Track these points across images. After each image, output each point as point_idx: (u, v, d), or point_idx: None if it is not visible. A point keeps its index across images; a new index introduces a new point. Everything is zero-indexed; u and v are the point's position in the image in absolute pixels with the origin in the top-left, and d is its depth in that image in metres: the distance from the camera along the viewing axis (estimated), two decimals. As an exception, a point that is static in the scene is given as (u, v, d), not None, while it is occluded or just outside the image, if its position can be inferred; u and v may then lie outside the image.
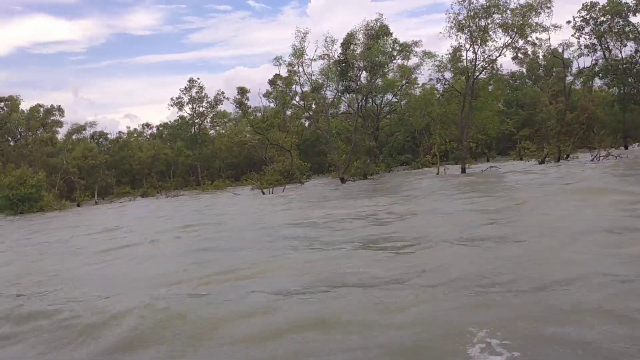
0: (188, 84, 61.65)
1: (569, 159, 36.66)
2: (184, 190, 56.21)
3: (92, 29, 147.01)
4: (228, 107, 67.45)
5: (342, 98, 43.67)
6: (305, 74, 39.23)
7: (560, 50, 43.23)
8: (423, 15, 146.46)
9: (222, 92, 62.21)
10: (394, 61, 41.70)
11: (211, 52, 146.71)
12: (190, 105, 62.11)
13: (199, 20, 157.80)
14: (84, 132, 62.59)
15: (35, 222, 30.45)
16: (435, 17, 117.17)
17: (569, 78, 49.41)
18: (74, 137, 60.36)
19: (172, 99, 62.34)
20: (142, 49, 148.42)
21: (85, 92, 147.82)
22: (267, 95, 67.20)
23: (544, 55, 57.04)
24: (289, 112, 64.61)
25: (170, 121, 71.30)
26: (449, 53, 36.80)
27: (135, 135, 72.08)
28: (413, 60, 45.37)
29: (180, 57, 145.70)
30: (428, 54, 43.01)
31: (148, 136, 73.35)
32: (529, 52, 39.47)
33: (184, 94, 61.74)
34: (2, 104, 60.54)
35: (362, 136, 40.95)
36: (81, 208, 45.30)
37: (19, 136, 59.73)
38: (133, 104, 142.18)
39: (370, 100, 44.90)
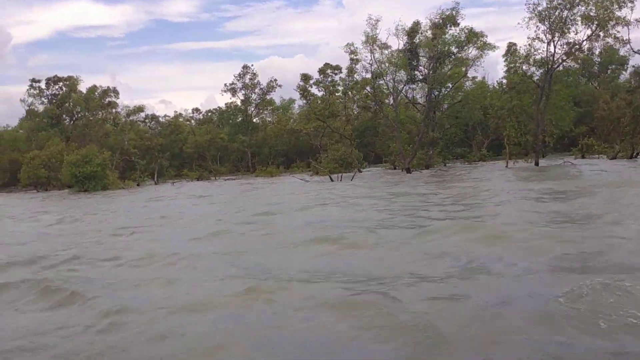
0: (242, 70, 62.10)
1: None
2: (234, 175, 56.75)
3: (131, 14, 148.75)
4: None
5: (405, 88, 43.37)
6: (375, 62, 39.05)
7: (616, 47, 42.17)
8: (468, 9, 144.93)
9: (275, 80, 62.55)
10: (465, 51, 41.14)
11: (246, 40, 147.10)
12: (243, 92, 62.55)
13: (235, 8, 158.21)
14: (137, 114, 63.52)
15: (121, 197, 31.09)
16: (471, 11, 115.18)
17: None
18: (130, 118, 61.40)
19: (225, 84, 62.98)
20: (178, 35, 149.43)
21: (122, 77, 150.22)
22: (317, 83, 67.60)
23: (600, 52, 55.97)
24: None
25: (218, 107, 72.04)
26: (528, 44, 36.17)
27: (181, 119, 72.77)
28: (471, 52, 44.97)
29: (215, 45, 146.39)
30: (488, 46, 42.58)
31: (194, 121, 73.95)
32: (610, 45, 38.17)
33: (237, 80, 62.20)
34: (61, 83, 61.87)
35: (426, 127, 40.74)
36: (141, 188, 46.02)
37: (76, 116, 60.92)
38: (168, 89, 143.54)
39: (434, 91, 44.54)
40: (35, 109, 60.61)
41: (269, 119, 69.97)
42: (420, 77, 41.86)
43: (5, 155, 57.81)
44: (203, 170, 55.12)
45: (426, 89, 44.61)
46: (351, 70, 46.10)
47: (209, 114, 72.31)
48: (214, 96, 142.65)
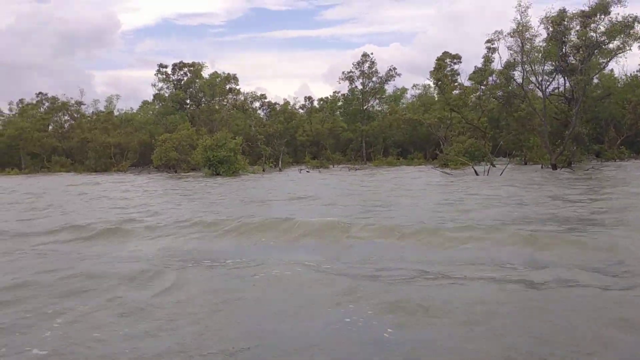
0: (362, 58, 61.63)
1: None
2: (351, 165, 56.55)
3: (232, 2, 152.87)
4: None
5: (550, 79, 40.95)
6: (523, 51, 37.05)
7: None
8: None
9: (395, 68, 61.58)
10: (617, 40, 38.13)
11: (342, 29, 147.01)
12: (360, 80, 62.12)
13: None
14: (260, 100, 64.79)
15: (261, 180, 31.47)
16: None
17: None
18: (253, 105, 62.88)
19: (343, 72, 62.77)
20: (276, 24, 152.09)
21: (220, 64, 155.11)
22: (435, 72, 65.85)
23: None
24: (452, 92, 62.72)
25: (332, 95, 71.99)
26: None
27: (289, 107, 73.45)
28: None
29: (311, 33, 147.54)
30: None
31: (303, 109, 74.44)
32: None
33: (356, 69, 61.83)
34: (186, 69, 64.21)
35: (577, 121, 38.30)
36: (267, 174, 46.77)
37: (201, 101, 63.05)
38: (263, 77, 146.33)
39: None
40: (164, 93, 63.30)
41: (378, 109, 69.27)
42: (567, 68, 39.25)
43: (135, 136, 60.99)
44: (322, 159, 55.28)
45: (566, 81, 42.03)
46: (487, 60, 44.17)
47: (321, 102, 72.54)
48: (308, 85, 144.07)
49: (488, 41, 44.01)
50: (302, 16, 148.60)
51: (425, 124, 53.68)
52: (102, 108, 78.50)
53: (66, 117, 76.98)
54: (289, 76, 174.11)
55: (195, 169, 51.99)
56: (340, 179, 33.54)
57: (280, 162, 52.09)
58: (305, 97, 73.55)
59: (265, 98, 61.89)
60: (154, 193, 24.63)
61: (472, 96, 48.55)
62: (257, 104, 67.56)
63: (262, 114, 67.95)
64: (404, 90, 72.49)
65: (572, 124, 36.51)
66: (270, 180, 34.58)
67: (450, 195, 19.07)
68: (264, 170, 49.34)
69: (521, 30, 36.47)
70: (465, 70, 64.35)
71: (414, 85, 72.48)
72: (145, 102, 79.58)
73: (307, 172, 46.71)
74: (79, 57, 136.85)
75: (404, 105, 70.95)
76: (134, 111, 77.17)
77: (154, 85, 62.88)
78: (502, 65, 43.62)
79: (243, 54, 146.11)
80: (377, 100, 69.07)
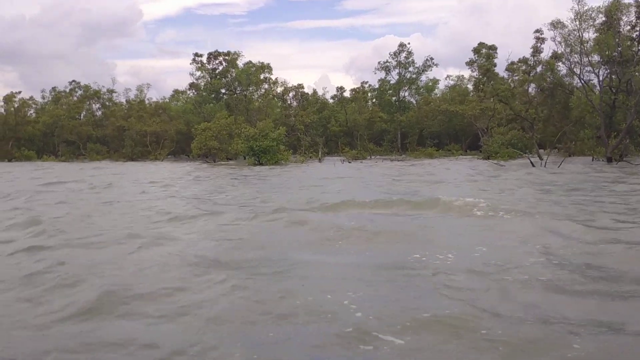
0: (398, 48, 61.15)
1: None
2: (388, 156, 56.24)
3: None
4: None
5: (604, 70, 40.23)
6: (581, 42, 36.44)
7: None
8: None
9: (432, 59, 61.07)
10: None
11: (362, 19, 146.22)
12: (397, 70, 61.70)
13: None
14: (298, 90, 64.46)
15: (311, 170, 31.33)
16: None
17: None
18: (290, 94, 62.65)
19: (379, 62, 62.39)
20: (296, 14, 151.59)
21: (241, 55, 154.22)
22: (470, 63, 65.23)
23: None
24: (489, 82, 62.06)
25: (361, 85, 71.54)
26: None
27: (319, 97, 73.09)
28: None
29: (332, 23, 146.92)
30: None
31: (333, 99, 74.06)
32: None
33: (393, 58, 61.38)
34: (221, 58, 64.13)
35: (637, 114, 37.65)
36: (309, 165, 46.61)
37: (237, 90, 62.98)
38: (283, 67, 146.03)
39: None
40: (200, 82, 63.33)
41: (411, 99, 68.75)
42: (621, 59, 38.53)
43: (172, 125, 61.15)
44: (359, 149, 54.99)
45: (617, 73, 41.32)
46: (536, 50, 43.53)
47: (353, 92, 72.11)
48: (328, 75, 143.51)
49: (537, 31, 43.42)
50: (322, 6, 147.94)
51: (466, 115, 53.12)
52: (132, 97, 78.89)
53: (97, 105, 77.49)
54: (309, 66, 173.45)
55: (231, 158, 52.10)
56: (396, 170, 33.23)
57: (320, 153, 51.88)
58: (337, 87, 73.30)
59: (303, 88, 61.52)
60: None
61: (521, 87, 47.84)
62: (291, 94, 67.37)
63: (295, 103, 67.71)
64: (435, 81, 71.76)
65: (631, 117, 35.87)
66: (323, 170, 34.42)
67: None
68: (303, 161, 49.13)
69: (580, 19, 35.79)
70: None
71: (447, 77, 71.79)
72: (176, 91, 79.72)
73: (349, 162, 46.49)
74: (101, 47, 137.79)
75: (437, 96, 70.29)
76: (166, 100, 77.23)
77: (191, 74, 62.92)
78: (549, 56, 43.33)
79: (263, 44, 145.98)
80: (408, 91, 68.62)
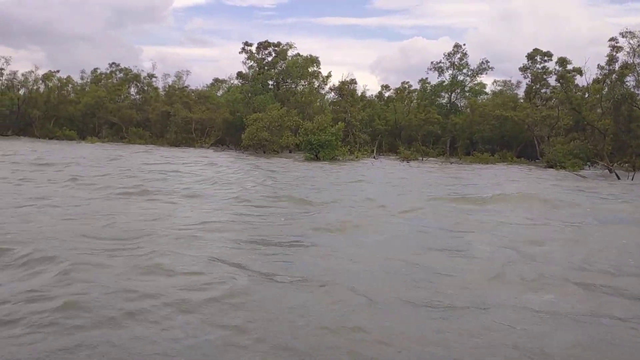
0: (453, 49, 59.74)
1: None
2: (440, 159, 54.95)
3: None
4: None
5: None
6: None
7: None
8: (627, 3, 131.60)
9: (487, 61, 59.62)
10: None
11: (391, 19, 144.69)
12: (450, 71, 60.33)
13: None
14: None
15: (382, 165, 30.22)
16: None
17: None
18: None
19: (432, 62, 61.05)
20: (325, 9, 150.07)
21: None
22: (523, 69, 63.69)
23: None
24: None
25: (403, 85, 70.06)
26: None
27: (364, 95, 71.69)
28: None
29: (360, 21, 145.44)
30: None
31: (380, 98, 72.72)
32: None
33: (447, 59, 60.02)
34: (270, 49, 63.03)
35: None
36: (364, 162, 45.46)
37: (286, 82, 61.89)
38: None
39: None
40: (250, 72, 62.27)
41: (457, 102, 67.24)
42: None
43: (219, 114, 60.15)
44: (413, 150, 53.65)
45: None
46: (612, 59, 42.02)
47: (398, 92, 70.74)
48: (354, 74, 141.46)
49: (612, 39, 41.91)
50: (352, 4, 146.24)
51: (526, 121, 51.72)
52: (169, 83, 77.95)
53: (134, 89, 76.68)
54: (335, 64, 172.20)
55: (277, 150, 51.05)
56: (462, 174, 32.00)
57: (375, 150, 50.71)
58: (382, 85, 71.98)
59: (356, 83, 60.21)
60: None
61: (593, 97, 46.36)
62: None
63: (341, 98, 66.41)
64: (482, 85, 70.13)
65: None
66: (390, 168, 33.28)
67: None
68: (359, 158, 47.94)
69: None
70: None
71: (494, 81, 70.12)
72: (216, 80, 78.87)
73: (407, 162, 45.27)
74: (129, 31, 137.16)
75: (485, 100, 68.69)
76: (205, 88, 76.23)
77: (244, 63, 61.90)
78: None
79: (290, 38, 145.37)
80: (455, 94, 67.10)
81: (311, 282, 6.19)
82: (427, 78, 68.06)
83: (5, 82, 70.03)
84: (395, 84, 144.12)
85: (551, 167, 44.38)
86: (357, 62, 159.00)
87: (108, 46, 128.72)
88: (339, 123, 45.40)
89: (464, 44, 60.69)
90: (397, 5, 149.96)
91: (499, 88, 71.32)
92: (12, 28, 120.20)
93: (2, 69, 69.28)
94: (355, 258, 7.51)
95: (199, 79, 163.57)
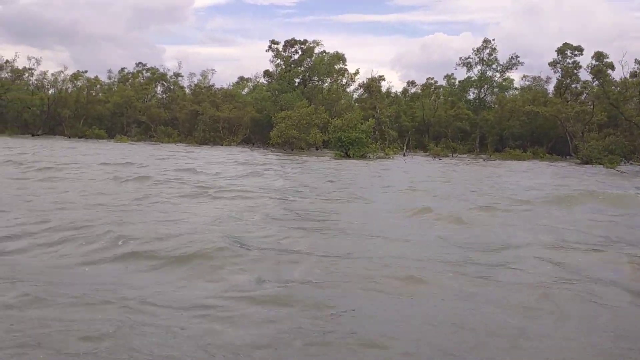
0: (482, 44, 59.03)
1: None
2: (471, 155, 54.31)
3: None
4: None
5: None
6: None
7: None
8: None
9: (517, 57, 58.79)
10: None
11: (412, 15, 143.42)
12: (479, 67, 59.62)
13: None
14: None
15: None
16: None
17: None
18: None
19: (460, 58, 60.41)
20: (346, 7, 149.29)
21: None
22: (553, 64, 62.70)
23: None
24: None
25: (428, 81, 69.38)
26: None
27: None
28: None
29: (380, 18, 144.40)
30: None
31: (405, 94, 72.17)
32: None
33: (476, 55, 59.31)
34: (297, 46, 62.96)
35: None
36: (396, 159, 45.07)
37: (313, 79, 61.77)
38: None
39: None
40: (277, 70, 62.34)
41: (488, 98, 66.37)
42: None
43: (247, 112, 60.23)
44: (443, 147, 53.14)
45: None
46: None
47: (425, 88, 70.12)
48: (373, 70, 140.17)
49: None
50: (372, 1, 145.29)
51: (560, 117, 50.87)
52: (195, 82, 78.31)
53: (160, 88, 77.26)
54: (355, 61, 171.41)
55: (303, 148, 50.93)
56: (503, 171, 31.45)
57: (405, 147, 50.31)
58: (408, 81, 71.39)
59: (384, 79, 59.86)
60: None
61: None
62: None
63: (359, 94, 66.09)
64: (510, 80, 69.15)
65: None
66: (427, 165, 32.88)
67: None
68: (389, 155, 47.56)
69: None
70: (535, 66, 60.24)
71: (524, 76, 69.03)
72: (242, 78, 79.04)
73: (439, 159, 44.80)
74: (151, 31, 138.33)
75: (513, 96, 67.73)
76: (230, 87, 76.45)
77: (271, 61, 61.99)
78: None
79: (310, 35, 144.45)
80: (483, 90, 66.30)
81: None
82: (452, 74, 67.60)
83: (35, 82, 71.18)
84: (416, 80, 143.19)
85: (587, 163, 43.53)
86: (377, 58, 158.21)
87: (131, 46, 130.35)
88: (368, 120, 45.00)
89: (493, 39, 59.70)
90: (418, 1, 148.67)
91: (527, 83, 70.41)
92: (38, 29, 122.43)
93: (32, 69, 70.40)
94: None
95: (220, 78, 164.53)
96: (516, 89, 66.32)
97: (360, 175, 22.98)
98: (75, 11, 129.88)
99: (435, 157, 45.89)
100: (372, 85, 54.89)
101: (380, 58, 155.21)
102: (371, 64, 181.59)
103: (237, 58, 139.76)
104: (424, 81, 68.49)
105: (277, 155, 41.52)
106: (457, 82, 67.20)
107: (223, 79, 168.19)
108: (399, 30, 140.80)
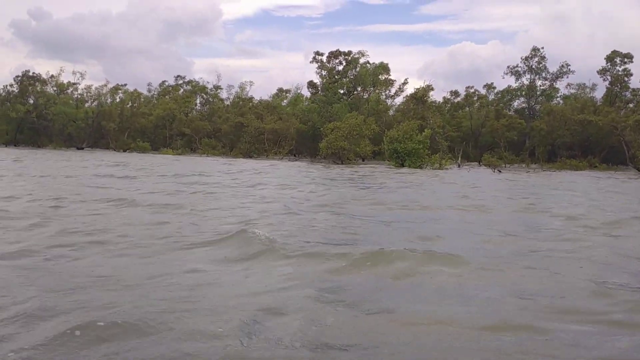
0: (531, 52, 58.12)
1: None
2: (522, 166, 53.27)
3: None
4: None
5: None
6: None
7: None
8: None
9: (568, 65, 57.76)
10: None
11: (439, 24, 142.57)
12: (528, 75, 58.67)
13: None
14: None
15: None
16: None
17: None
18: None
19: (508, 67, 59.53)
20: (373, 17, 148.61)
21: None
22: (603, 72, 61.45)
23: None
24: None
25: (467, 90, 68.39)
26: None
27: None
28: None
29: (407, 28, 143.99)
30: None
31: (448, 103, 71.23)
32: None
33: (524, 63, 58.42)
34: (341, 57, 62.72)
35: None
36: (452, 170, 44.26)
37: (355, 91, 61.42)
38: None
39: None
40: (321, 82, 62.17)
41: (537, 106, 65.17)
42: None
43: (292, 124, 59.98)
44: (495, 157, 52.17)
45: None
46: None
47: (468, 97, 69.18)
48: (401, 80, 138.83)
49: None
50: (399, 10, 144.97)
51: (619, 126, 49.69)
52: (233, 93, 78.54)
53: (199, 100, 77.62)
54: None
55: (348, 158, 50.40)
56: (582, 184, 30.44)
57: (459, 158, 49.52)
58: (450, 91, 70.47)
59: (433, 89, 59.10)
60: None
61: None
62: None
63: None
64: (556, 89, 67.93)
65: None
66: (496, 178, 32.01)
67: None
68: (444, 166, 46.79)
69: None
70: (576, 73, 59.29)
71: (568, 85, 67.72)
72: (280, 90, 78.97)
73: (499, 171, 43.84)
74: (180, 44, 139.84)
75: (559, 105, 66.47)
76: (269, 99, 76.44)
77: (317, 73, 61.84)
78: None
79: (338, 46, 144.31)
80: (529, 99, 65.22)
81: None
82: (492, 83, 66.80)
83: (79, 96, 72.05)
84: (444, 88, 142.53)
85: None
86: (404, 68, 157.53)
87: (161, 59, 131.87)
88: (425, 130, 44.40)
89: (542, 47, 58.62)
90: (445, 10, 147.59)
91: (572, 91, 69.06)
92: (71, 43, 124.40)
93: (76, 83, 71.23)
94: None
95: (252, 89, 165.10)
96: (566, 96, 65.01)
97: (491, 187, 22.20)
98: (106, 26, 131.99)
99: (494, 169, 44.95)
100: (424, 95, 54.13)
101: (408, 67, 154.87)
102: (399, 73, 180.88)
103: (266, 69, 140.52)
104: (450, 89, 67.71)
105: (336, 167, 41.01)
106: (495, 91, 66.40)
107: (253, 90, 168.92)
108: (426, 39, 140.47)
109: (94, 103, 71.89)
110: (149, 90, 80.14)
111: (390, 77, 61.87)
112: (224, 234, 7.90)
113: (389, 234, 8.73)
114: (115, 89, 75.10)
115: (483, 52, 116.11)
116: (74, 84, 70.91)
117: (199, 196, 14.44)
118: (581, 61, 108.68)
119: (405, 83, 60.70)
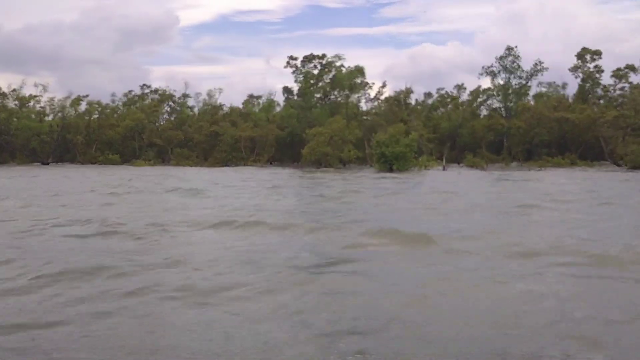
0: (505, 52, 58.43)
1: None
2: (503, 165, 53.39)
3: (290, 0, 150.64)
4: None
5: None
6: None
7: None
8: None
9: (542, 62, 58.31)
10: None
11: (399, 27, 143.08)
12: (503, 75, 58.95)
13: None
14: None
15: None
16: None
17: None
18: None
19: (483, 67, 59.67)
20: (333, 21, 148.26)
21: (275, 61, 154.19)
22: (574, 69, 62.48)
23: None
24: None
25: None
26: None
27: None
28: None
29: (368, 31, 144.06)
30: None
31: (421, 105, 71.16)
32: None
33: (498, 62, 58.69)
34: (316, 61, 61.68)
35: None
36: (436, 171, 43.82)
37: (332, 95, 60.54)
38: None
39: None
40: (295, 86, 61.04)
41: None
42: None
43: (271, 130, 58.49)
44: (480, 158, 52.06)
45: None
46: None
47: (441, 99, 69.19)
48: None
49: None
50: (359, 14, 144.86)
51: (599, 122, 50.36)
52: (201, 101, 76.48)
53: (166, 109, 75.17)
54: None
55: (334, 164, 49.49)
56: (582, 181, 30.30)
57: (444, 160, 49.15)
58: (425, 92, 70.32)
59: (412, 92, 58.82)
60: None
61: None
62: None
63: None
64: (527, 87, 68.54)
65: None
66: (495, 180, 31.58)
67: None
68: (425, 168, 46.20)
69: None
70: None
71: (539, 83, 68.48)
72: (251, 96, 77.26)
73: (490, 172, 43.64)
74: (137, 53, 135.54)
75: (529, 103, 67.15)
76: (242, 106, 74.61)
77: (294, 77, 60.48)
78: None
79: (299, 50, 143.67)
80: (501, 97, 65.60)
81: None
82: (463, 84, 67.09)
83: (41, 109, 68.63)
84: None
85: (636, 168, 43.09)
86: (366, 71, 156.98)
87: (118, 68, 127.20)
88: (411, 134, 43.83)
89: (516, 46, 58.91)
90: (404, 13, 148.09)
91: (542, 90, 69.83)
92: (23, 55, 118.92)
93: (38, 96, 67.82)
94: None
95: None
96: (530, 96, 65.76)
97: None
98: (59, 36, 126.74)
99: (483, 170, 44.75)
100: (404, 98, 53.61)
101: (369, 71, 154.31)
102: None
103: (226, 76, 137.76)
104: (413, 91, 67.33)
105: (329, 173, 39.82)
106: (467, 92, 66.70)
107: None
108: (387, 42, 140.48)
109: (58, 116, 68.60)
110: (113, 101, 77.06)
111: (365, 80, 61.12)
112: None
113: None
114: (77, 99, 71.80)
115: (443, 54, 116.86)
116: (35, 96, 67.52)
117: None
118: (537, 58, 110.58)
119: (383, 86, 60.06)
